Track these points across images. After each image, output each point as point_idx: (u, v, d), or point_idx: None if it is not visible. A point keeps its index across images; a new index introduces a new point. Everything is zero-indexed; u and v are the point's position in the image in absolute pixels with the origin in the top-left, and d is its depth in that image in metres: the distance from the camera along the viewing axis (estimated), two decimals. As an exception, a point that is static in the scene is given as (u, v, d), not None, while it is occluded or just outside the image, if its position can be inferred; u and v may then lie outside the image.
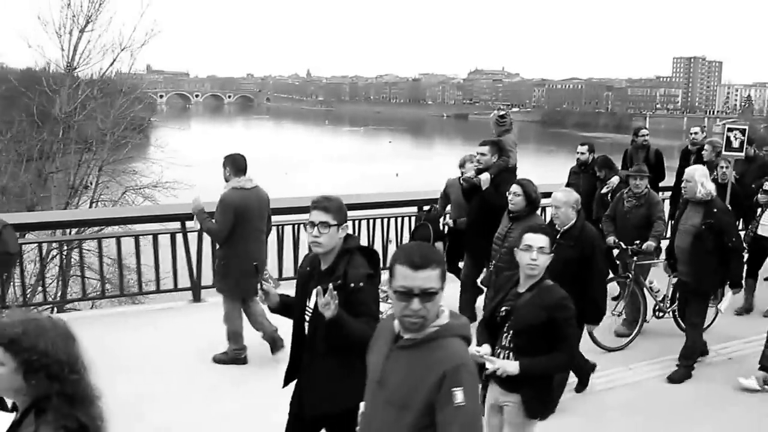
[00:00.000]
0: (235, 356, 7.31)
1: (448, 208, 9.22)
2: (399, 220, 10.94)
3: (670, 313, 8.24)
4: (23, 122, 21.15)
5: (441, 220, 9.06)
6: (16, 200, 19.28)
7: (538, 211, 7.69)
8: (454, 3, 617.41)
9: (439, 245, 8.54)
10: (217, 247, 7.51)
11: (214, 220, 7.20)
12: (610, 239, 8.21)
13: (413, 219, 10.66)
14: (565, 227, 6.26)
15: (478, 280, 8.31)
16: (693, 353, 7.23)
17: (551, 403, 4.56)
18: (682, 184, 7.29)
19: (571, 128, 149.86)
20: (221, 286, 7.39)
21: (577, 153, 10.01)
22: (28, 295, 9.99)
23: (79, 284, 10.48)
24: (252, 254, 6.92)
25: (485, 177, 8.09)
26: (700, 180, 7.06)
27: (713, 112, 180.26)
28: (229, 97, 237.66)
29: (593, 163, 9.85)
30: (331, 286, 3.74)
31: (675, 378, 7.10)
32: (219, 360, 7.34)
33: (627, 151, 10.85)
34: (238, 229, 7.09)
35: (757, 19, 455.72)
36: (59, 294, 10.31)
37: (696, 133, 10.94)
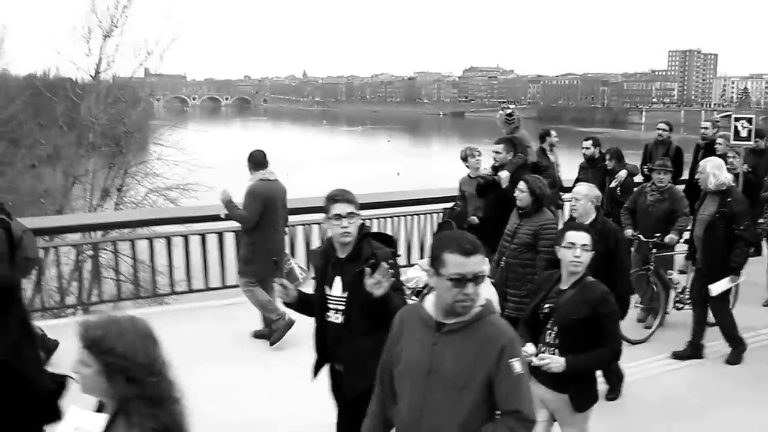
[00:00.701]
0: (279, 325, 7.73)
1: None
2: (422, 217, 11.12)
3: (690, 305, 8.20)
4: (49, 127, 21.40)
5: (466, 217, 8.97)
6: (37, 204, 19.36)
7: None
8: (448, 2, 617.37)
9: None
10: (244, 235, 8.01)
11: (242, 209, 7.75)
12: (629, 232, 8.25)
13: (433, 216, 10.89)
14: (588, 222, 6.24)
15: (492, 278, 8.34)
16: (732, 333, 7.51)
17: (596, 396, 4.62)
18: (698, 175, 7.57)
19: (568, 124, 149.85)
20: (244, 270, 7.92)
21: (583, 148, 10.07)
22: (61, 298, 10.31)
23: (106, 286, 10.69)
24: (276, 241, 7.79)
25: (505, 175, 8.17)
26: (711, 171, 7.28)
27: (710, 104, 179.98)
28: (227, 99, 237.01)
29: (600, 158, 9.92)
30: (384, 264, 4.00)
31: (731, 360, 7.47)
32: (262, 335, 7.96)
33: (647, 146, 10.94)
34: (264, 217, 7.69)
35: (750, 10, 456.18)
36: (90, 295, 10.46)
37: (706, 128, 10.95)
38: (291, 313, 6.49)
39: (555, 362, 4.29)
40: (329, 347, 4.53)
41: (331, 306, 4.46)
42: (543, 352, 4.43)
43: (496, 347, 3.07)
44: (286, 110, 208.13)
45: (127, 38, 21.83)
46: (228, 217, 8.03)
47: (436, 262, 3.14)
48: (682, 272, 8.88)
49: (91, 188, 20.15)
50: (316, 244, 9.90)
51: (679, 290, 8.44)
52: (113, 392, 2.54)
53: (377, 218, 10.79)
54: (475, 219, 8.74)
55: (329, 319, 4.48)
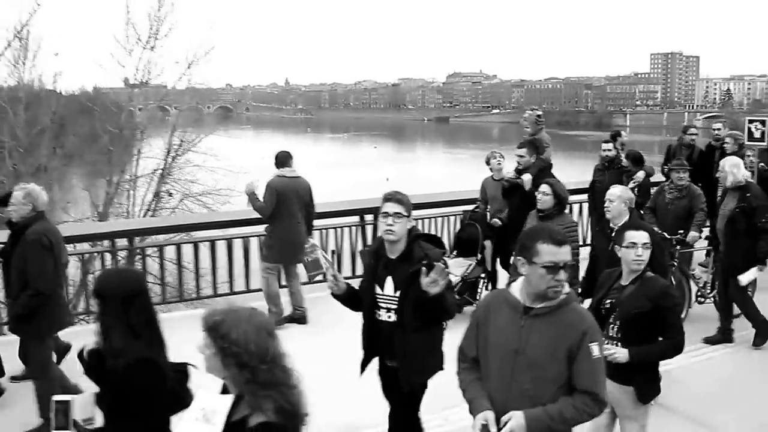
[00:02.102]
0: (277, 318, 8.55)
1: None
2: (441, 220, 11.28)
3: (711, 299, 8.59)
4: (93, 137, 21.66)
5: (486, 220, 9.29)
6: (80, 211, 19.78)
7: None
8: (430, 7, 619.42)
9: (488, 244, 8.91)
10: (267, 225, 8.84)
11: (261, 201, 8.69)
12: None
13: (450, 219, 11.17)
14: (620, 224, 6.37)
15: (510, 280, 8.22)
16: (757, 317, 7.88)
17: (659, 388, 4.74)
18: (718, 174, 8.13)
19: (552, 128, 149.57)
20: (267, 255, 8.93)
21: (603, 150, 10.15)
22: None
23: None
24: (294, 231, 8.72)
25: (527, 178, 8.34)
26: (730, 170, 7.76)
27: (693, 106, 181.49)
28: (208, 107, 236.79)
29: (618, 160, 10.13)
30: (441, 264, 4.20)
31: (757, 342, 7.86)
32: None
33: (670, 147, 11.44)
34: (280, 209, 8.59)
35: (731, 12, 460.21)
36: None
37: (719, 129, 11.14)
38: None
39: (619, 353, 4.43)
40: (381, 345, 4.74)
41: (381, 305, 4.68)
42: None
43: (579, 331, 3.40)
44: (268, 118, 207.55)
45: (165, 49, 21.64)
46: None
47: (527, 253, 3.46)
48: (701, 266, 9.15)
49: (133, 195, 20.40)
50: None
51: (701, 285, 8.70)
52: (228, 374, 2.79)
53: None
54: (497, 221, 9.05)
55: (380, 318, 4.69)
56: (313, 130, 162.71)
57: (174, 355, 3.62)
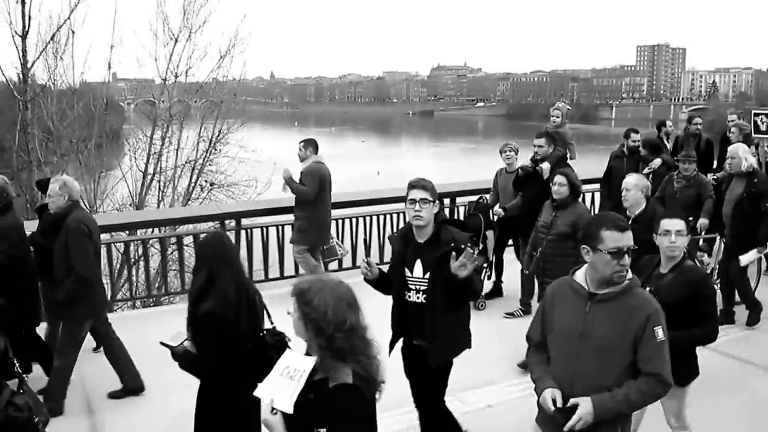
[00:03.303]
0: None
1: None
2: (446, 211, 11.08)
3: (717, 284, 8.50)
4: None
5: (491, 210, 9.35)
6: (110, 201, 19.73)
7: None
8: (414, 0, 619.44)
9: (490, 234, 8.71)
10: (301, 210, 9.17)
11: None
12: None
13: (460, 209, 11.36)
14: (637, 212, 6.68)
15: (526, 269, 8.46)
16: (750, 296, 8.26)
17: (697, 370, 4.81)
18: (727, 161, 8.32)
19: (538, 120, 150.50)
20: (299, 238, 9.26)
21: (632, 141, 10.38)
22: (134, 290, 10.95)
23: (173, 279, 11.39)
24: (327, 215, 9.41)
25: (546, 166, 8.61)
26: (744, 156, 8.10)
27: (679, 98, 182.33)
28: (195, 102, 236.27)
29: (635, 147, 10.36)
30: (469, 248, 4.41)
31: (750, 322, 8.17)
32: None
33: (678, 138, 11.72)
34: (319, 193, 9.07)
35: (717, 4, 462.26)
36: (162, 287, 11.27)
37: (734, 120, 11.23)
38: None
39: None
40: (410, 325, 4.90)
41: (411, 286, 4.86)
42: None
43: (643, 315, 3.51)
44: (255, 112, 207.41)
45: (198, 42, 21.10)
46: (292, 191, 9.17)
47: (592, 240, 3.61)
48: (700, 251, 9.38)
49: (165, 185, 20.12)
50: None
51: (708, 271, 8.48)
52: (313, 337, 2.98)
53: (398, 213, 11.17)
54: (501, 211, 9.12)
55: (409, 299, 4.87)
56: (300, 123, 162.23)
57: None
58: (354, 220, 11.03)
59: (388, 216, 11.21)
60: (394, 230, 10.94)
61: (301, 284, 3.10)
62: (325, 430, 2.99)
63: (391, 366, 4.72)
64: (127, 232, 10.65)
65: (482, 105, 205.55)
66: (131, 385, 6.71)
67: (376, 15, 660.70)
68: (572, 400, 3.50)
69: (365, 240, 11.07)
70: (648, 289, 4.60)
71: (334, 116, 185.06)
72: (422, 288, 4.83)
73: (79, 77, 19.40)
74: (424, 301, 4.82)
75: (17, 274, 6.33)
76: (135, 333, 7.73)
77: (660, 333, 3.51)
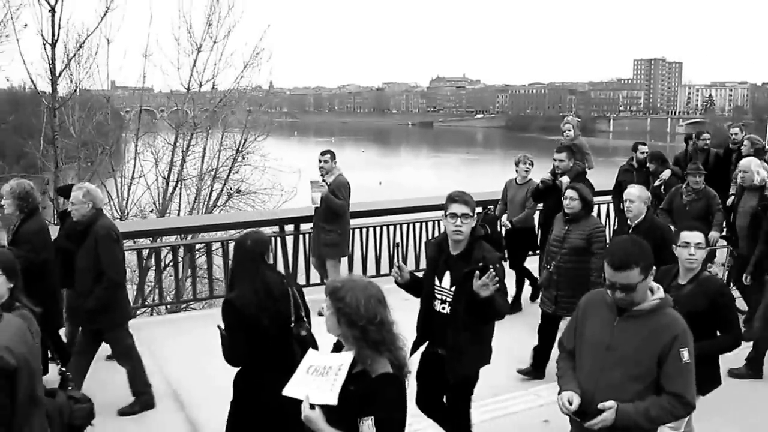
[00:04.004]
0: None
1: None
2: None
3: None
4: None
5: (499, 221, 9.53)
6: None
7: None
8: (413, 12, 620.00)
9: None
10: (330, 223, 9.02)
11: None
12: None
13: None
14: (637, 221, 6.86)
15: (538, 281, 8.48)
16: (749, 304, 8.16)
17: (719, 379, 5.00)
18: (739, 175, 8.49)
19: (536, 132, 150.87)
20: (332, 252, 9.18)
21: (639, 153, 10.62)
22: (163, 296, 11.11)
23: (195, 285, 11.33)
24: (349, 224, 9.37)
25: (566, 180, 8.59)
26: (756, 169, 8.31)
27: (675, 112, 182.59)
28: (162, 111, 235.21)
29: (644, 161, 10.55)
30: (492, 270, 4.43)
31: (748, 337, 7.95)
32: None
33: (687, 152, 11.74)
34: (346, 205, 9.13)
35: (712, 18, 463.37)
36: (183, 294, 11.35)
37: (736, 134, 11.39)
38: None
39: None
40: (433, 332, 4.99)
41: (438, 296, 4.93)
42: None
43: (671, 335, 3.59)
44: (256, 121, 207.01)
45: (223, 52, 21.61)
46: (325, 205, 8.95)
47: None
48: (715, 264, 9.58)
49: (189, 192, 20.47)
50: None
51: None
52: (349, 332, 3.23)
53: (414, 222, 11.29)
54: (508, 223, 9.34)
55: (435, 308, 4.94)
56: (299, 133, 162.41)
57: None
58: (372, 229, 11.04)
59: (397, 226, 11.22)
60: (407, 239, 11.13)
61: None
62: (372, 418, 3.17)
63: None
64: (177, 237, 11.01)
65: (481, 116, 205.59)
66: (143, 397, 6.66)
67: (375, 26, 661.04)
68: (601, 405, 3.56)
69: (376, 249, 11.02)
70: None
71: (333, 126, 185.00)
72: (448, 299, 4.87)
73: (109, 84, 19.82)
74: (448, 312, 4.86)
75: (39, 278, 6.13)
76: (158, 338, 8.09)
77: (686, 355, 3.58)
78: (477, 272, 4.46)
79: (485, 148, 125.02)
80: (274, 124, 25.38)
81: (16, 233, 6.62)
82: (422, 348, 5.11)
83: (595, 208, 9.57)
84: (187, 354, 7.83)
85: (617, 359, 3.64)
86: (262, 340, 4.56)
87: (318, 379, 3.30)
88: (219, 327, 4.66)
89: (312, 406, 3.19)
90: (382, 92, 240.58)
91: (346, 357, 3.31)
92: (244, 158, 20.93)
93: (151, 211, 19.10)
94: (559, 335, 5.24)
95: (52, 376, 6.40)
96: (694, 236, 4.96)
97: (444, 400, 5.26)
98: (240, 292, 4.65)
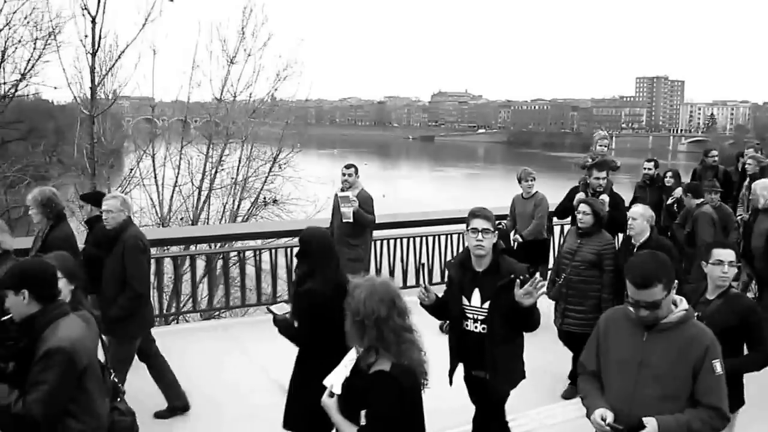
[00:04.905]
0: None
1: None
2: (457, 236, 11.48)
3: None
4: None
5: (511, 235, 9.54)
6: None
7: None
8: (415, 27, 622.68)
9: None
10: (355, 237, 9.00)
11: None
12: None
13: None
14: (642, 240, 6.93)
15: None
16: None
17: (743, 399, 4.94)
18: (751, 197, 8.71)
19: (539, 148, 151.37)
20: (356, 267, 8.61)
21: (644, 169, 10.74)
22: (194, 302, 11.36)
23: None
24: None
25: (606, 198, 8.59)
26: (761, 193, 8.39)
27: (677, 130, 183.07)
28: (196, 121, 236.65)
29: (659, 178, 10.65)
30: (538, 276, 4.57)
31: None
32: None
33: (696, 170, 11.88)
34: None
35: (714, 38, 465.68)
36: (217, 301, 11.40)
37: (750, 153, 11.43)
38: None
39: None
40: (468, 354, 4.99)
41: (469, 315, 4.92)
42: None
43: (701, 347, 3.59)
44: (260, 132, 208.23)
45: (256, 65, 22.27)
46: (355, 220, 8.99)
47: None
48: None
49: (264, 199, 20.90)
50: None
51: None
52: (362, 334, 3.46)
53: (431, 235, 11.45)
54: (519, 237, 9.40)
55: (467, 328, 4.93)
56: (301, 145, 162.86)
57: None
58: (386, 241, 11.15)
59: (411, 239, 11.36)
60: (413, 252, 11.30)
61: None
62: (364, 412, 3.38)
63: (451, 394, 5.00)
64: (221, 244, 11.27)
65: (483, 132, 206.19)
66: (176, 403, 6.79)
67: (377, 40, 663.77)
68: (645, 419, 3.55)
69: (389, 261, 11.13)
70: (696, 315, 4.55)
71: (335, 139, 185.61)
72: (480, 317, 4.87)
73: (153, 93, 20.51)
74: (483, 330, 4.86)
75: None
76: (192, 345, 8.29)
77: (718, 366, 3.58)
78: (518, 281, 4.53)
79: (487, 162, 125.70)
80: (304, 135, 26.40)
81: (45, 241, 6.74)
82: (462, 372, 5.15)
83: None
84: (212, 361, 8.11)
85: (652, 375, 3.62)
86: (335, 329, 4.54)
87: (342, 370, 3.57)
88: (272, 311, 4.94)
89: (331, 394, 3.51)
90: (383, 106, 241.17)
91: (354, 353, 3.58)
92: (281, 167, 21.28)
93: (181, 219, 19.43)
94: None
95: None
96: (728, 254, 4.94)
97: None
98: (320, 282, 4.79)
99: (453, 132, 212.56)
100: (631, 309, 3.67)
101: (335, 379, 3.57)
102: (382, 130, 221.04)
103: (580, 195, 8.68)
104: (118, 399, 4.32)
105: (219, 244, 12.04)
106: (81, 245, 7.22)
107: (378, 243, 10.89)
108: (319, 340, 4.70)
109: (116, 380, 4.46)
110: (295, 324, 4.95)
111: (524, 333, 5.05)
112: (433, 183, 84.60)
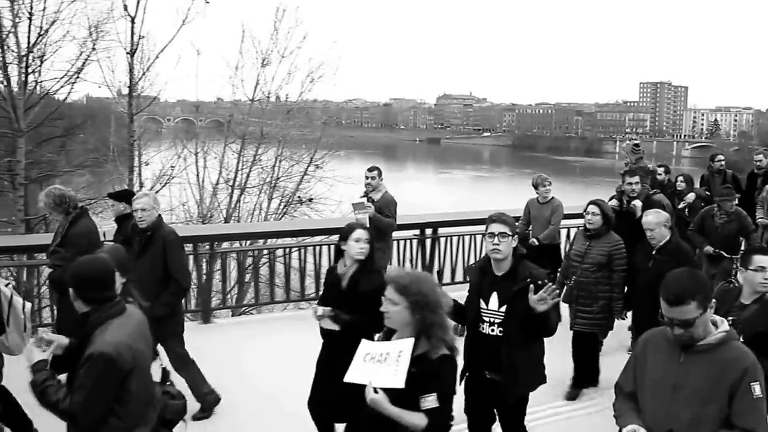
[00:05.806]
0: None
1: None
2: (477, 238, 11.68)
3: None
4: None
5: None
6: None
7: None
8: (420, 29, 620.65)
9: None
10: (376, 242, 8.98)
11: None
12: (708, 249, 9.45)
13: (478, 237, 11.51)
14: (661, 243, 6.98)
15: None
16: None
17: None
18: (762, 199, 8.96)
19: (543, 152, 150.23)
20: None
21: (656, 174, 10.87)
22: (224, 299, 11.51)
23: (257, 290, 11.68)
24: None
25: (639, 204, 8.70)
26: None
27: (681, 136, 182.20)
28: (201, 121, 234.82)
29: (669, 183, 10.91)
30: (549, 284, 4.64)
31: None
32: None
33: (704, 176, 11.96)
34: None
35: (718, 44, 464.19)
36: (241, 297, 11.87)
37: (760, 160, 11.62)
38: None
39: None
40: (482, 357, 4.98)
41: (486, 319, 4.94)
42: None
43: (740, 369, 3.46)
44: (269, 133, 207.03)
45: (289, 66, 22.76)
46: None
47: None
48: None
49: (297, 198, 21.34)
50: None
51: None
52: (416, 320, 3.69)
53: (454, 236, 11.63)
54: (535, 241, 9.55)
55: (483, 331, 4.95)
56: (307, 146, 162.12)
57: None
58: (402, 242, 11.25)
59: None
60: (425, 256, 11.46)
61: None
62: (435, 395, 3.53)
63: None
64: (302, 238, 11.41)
65: (488, 135, 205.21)
66: (205, 399, 6.75)
67: (382, 41, 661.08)
68: None
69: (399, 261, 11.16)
70: (731, 319, 4.55)
71: (341, 140, 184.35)
72: (497, 321, 4.86)
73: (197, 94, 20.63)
74: (499, 334, 4.85)
75: None
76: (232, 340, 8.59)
77: (757, 389, 3.43)
78: (532, 287, 4.60)
79: (492, 165, 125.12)
80: (334, 136, 27.37)
81: (64, 236, 6.76)
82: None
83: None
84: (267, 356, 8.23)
85: (686, 398, 3.52)
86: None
87: (377, 365, 3.57)
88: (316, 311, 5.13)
89: (375, 390, 3.50)
90: (389, 107, 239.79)
91: (406, 343, 3.62)
92: (318, 167, 21.60)
93: (210, 216, 19.80)
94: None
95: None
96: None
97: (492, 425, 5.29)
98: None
99: (458, 135, 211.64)
100: (668, 328, 3.56)
101: (377, 376, 3.55)
102: (388, 132, 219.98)
103: (637, 203, 8.71)
104: (168, 383, 4.37)
105: (261, 241, 12.38)
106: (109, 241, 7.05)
107: (400, 243, 11.00)
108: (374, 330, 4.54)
109: (164, 366, 4.50)
110: (343, 316, 5.06)
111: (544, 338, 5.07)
112: (441, 185, 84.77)
